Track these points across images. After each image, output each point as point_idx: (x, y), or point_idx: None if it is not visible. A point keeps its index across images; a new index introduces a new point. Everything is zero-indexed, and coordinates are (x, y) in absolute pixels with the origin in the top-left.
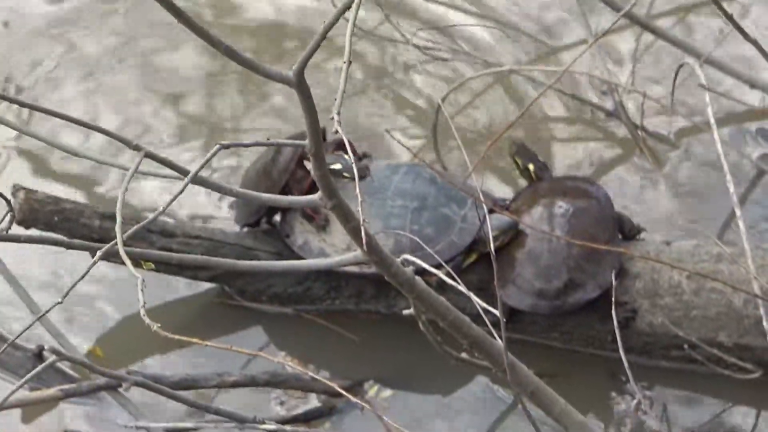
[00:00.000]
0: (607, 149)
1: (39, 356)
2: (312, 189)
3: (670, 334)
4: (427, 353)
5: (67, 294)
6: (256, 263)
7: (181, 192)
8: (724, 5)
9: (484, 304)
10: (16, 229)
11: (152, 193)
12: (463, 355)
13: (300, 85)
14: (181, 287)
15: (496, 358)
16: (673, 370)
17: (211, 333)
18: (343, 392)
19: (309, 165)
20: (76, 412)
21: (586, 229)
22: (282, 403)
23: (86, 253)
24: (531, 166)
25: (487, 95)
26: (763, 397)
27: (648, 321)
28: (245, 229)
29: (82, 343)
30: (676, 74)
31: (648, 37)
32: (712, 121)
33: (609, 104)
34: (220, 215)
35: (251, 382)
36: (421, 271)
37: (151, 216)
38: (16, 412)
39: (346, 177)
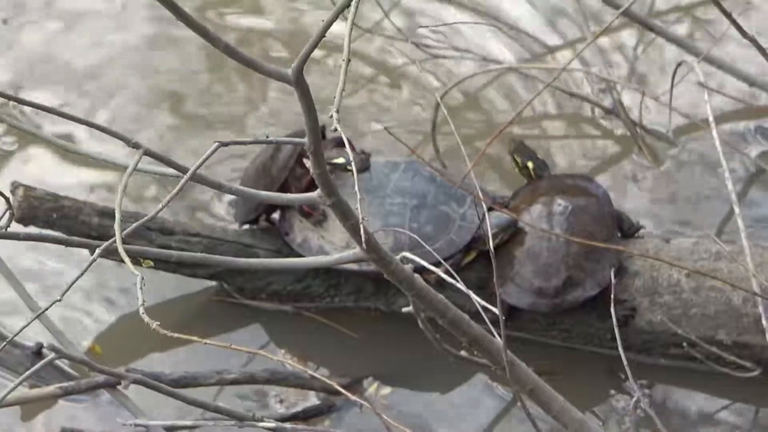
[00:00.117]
0: (605, 147)
1: (38, 354)
2: (311, 186)
3: (669, 332)
4: (427, 351)
5: (66, 291)
6: (255, 261)
7: (179, 189)
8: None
9: (483, 302)
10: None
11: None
12: (463, 352)
13: (299, 83)
14: (180, 285)
15: (495, 356)
16: (672, 368)
17: (210, 331)
18: (342, 390)
19: (308, 163)
20: (75, 410)
21: (585, 227)
22: (281, 401)
23: (85, 251)
24: (530, 164)
25: (485, 93)
26: (761, 394)
27: (647, 319)
28: (244, 227)
29: (80, 341)
30: (675, 72)
31: (647, 35)
32: (711, 119)
33: (607, 102)
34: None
35: (250, 380)
36: (420, 269)
37: (150, 213)
38: (15, 410)
39: (348, 170)
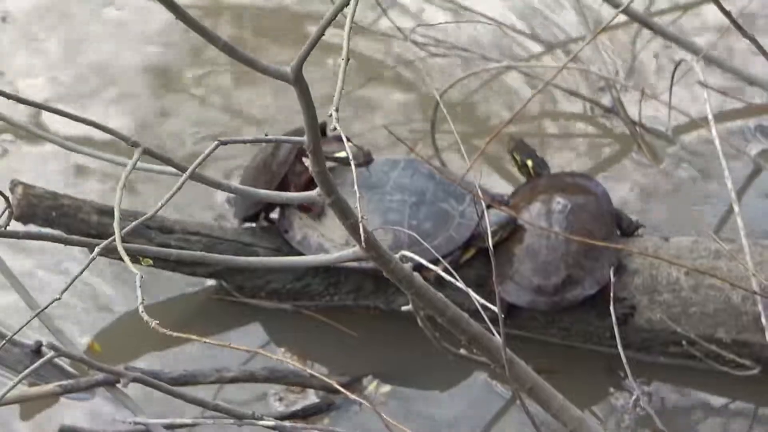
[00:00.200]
0: (605, 145)
1: (37, 352)
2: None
3: (668, 330)
4: (426, 349)
5: (65, 290)
6: (255, 259)
7: (179, 188)
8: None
9: (483, 300)
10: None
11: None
12: (462, 350)
13: (298, 81)
14: (180, 283)
15: (494, 354)
16: (672, 366)
17: (210, 329)
18: (342, 389)
19: (307, 162)
20: (75, 408)
21: (584, 225)
22: (281, 399)
23: (84, 249)
24: (529, 162)
25: (485, 91)
26: (760, 393)
27: (646, 317)
28: (244, 225)
29: (80, 339)
30: (675, 71)
31: (646, 33)
32: (711, 117)
33: (607, 100)
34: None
35: (250, 378)
36: (419, 267)
37: (149, 212)
38: (15, 408)
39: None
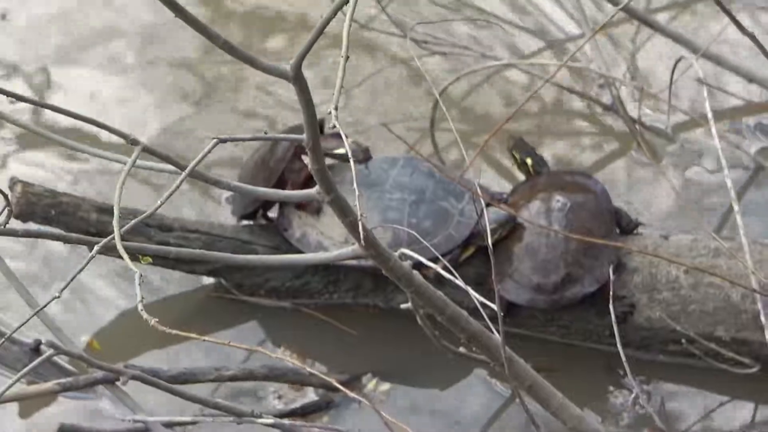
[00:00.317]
0: (604, 143)
1: (36, 350)
2: (309, 180)
3: (667, 328)
4: (425, 347)
5: (64, 288)
6: (254, 257)
7: (178, 186)
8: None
9: (482, 299)
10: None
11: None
12: (461, 349)
13: (297, 79)
14: (179, 281)
15: (493, 352)
16: (671, 365)
17: (209, 327)
18: (341, 387)
19: (306, 160)
20: (74, 406)
21: (583, 223)
22: (280, 397)
23: (84, 247)
24: (529, 160)
25: (484, 89)
26: (760, 391)
27: (646, 315)
28: (243, 223)
29: (79, 338)
30: (674, 68)
31: (646, 30)
32: (710, 115)
33: (606, 98)
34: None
35: (249, 376)
36: (418, 265)
37: (148, 210)
38: (14, 407)
39: (351, 160)
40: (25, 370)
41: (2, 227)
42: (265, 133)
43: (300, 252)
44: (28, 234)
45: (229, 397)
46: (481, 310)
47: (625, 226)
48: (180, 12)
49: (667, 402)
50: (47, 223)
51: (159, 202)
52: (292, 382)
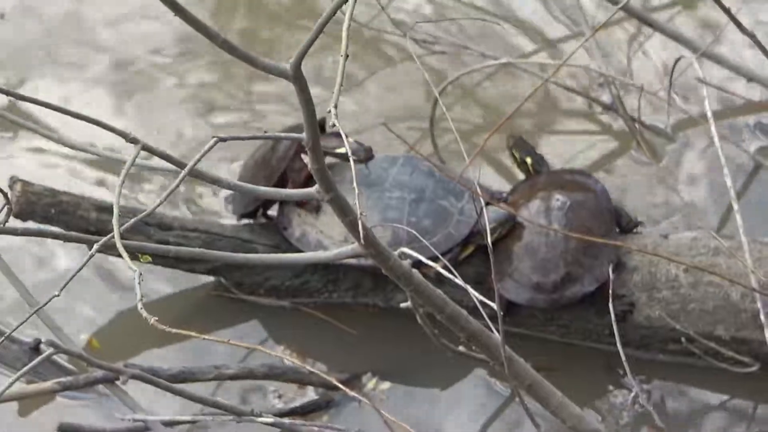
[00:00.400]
0: (604, 142)
1: (36, 349)
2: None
3: (667, 327)
4: (425, 346)
5: (64, 287)
6: (253, 256)
7: (178, 184)
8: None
9: (482, 298)
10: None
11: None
12: (461, 348)
13: (297, 78)
14: (179, 280)
15: (493, 352)
16: (671, 364)
17: (209, 326)
18: (341, 386)
19: (306, 159)
20: (73, 405)
21: (583, 222)
22: (280, 396)
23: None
24: (528, 159)
25: (484, 88)
26: (759, 390)
27: (645, 314)
28: (242, 222)
29: (78, 336)
30: (674, 67)
31: (646, 30)
32: (710, 114)
33: (606, 97)
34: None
35: (249, 375)
36: (418, 264)
37: (148, 208)
38: (13, 406)
39: (354, 160)
40: (25, 369)
41: (2, 226)
42: (265, 132)
43: (300, 251)
44: (27, 233)
45: (229, 396)
46: (481, 309)
47: (624, 225)
48: (180, 12)
49: (666, 401)
50: (47, 222)
51: (158, 200)
52: (292, 381)
